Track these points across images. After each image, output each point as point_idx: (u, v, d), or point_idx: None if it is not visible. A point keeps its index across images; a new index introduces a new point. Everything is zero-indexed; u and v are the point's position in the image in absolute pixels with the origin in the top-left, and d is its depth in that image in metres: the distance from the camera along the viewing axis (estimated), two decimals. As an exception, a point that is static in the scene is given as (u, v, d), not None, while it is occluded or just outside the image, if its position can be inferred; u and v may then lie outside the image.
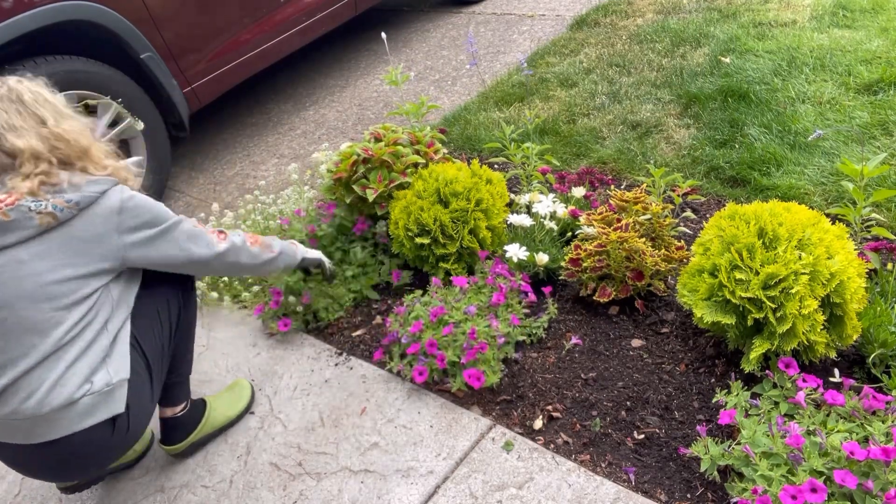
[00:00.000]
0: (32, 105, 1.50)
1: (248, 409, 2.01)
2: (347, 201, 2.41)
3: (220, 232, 1.74)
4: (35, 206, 1.41)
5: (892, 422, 1.41)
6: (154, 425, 2.03)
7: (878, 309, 1.69)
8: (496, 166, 2.90)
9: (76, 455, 1.50)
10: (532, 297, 2.07)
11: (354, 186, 2.36)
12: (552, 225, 2.27)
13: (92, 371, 1.45)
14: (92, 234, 1.47)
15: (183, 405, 1.85)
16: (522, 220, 2.24)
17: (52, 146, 1.49)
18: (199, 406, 1.92)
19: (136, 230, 1.53)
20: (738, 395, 1.60)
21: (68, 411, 1.43)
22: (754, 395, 1.62)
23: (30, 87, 1.53)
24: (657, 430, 1.70)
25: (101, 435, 1.49)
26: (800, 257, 1.59)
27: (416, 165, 2.40)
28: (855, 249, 1.67)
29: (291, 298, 2.24)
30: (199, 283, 2.65)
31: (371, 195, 2.29)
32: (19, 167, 1.46)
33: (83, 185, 1.48)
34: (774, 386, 1.61)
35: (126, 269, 1.56)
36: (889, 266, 1.89)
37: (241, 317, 2.41)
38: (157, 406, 1.78)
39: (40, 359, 1.41)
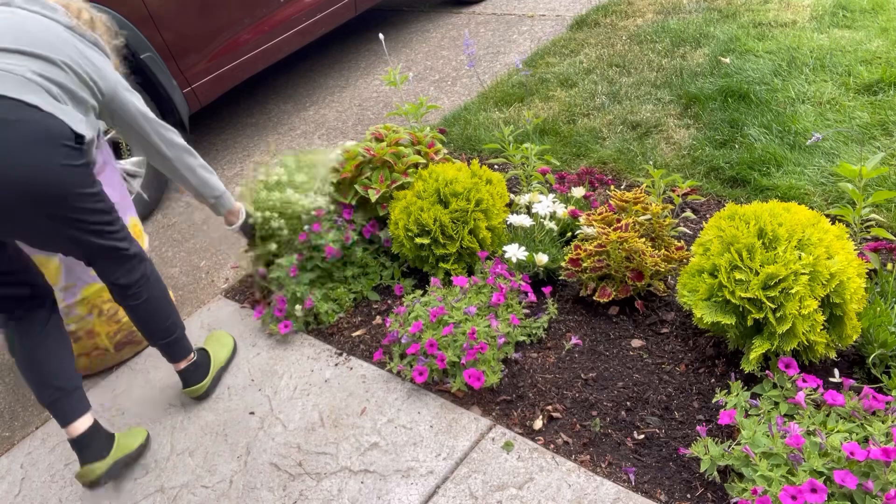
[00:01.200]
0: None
1: (235, 348, 2.25)
2: (349, 201, 2.41)
3: None
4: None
5: (892, 422, 1.41)
6: (155, 418, 2.03)
7: (878, 309, 1.69)
8: (496, 167, 2.90)
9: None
10: (532, 297, 2.07)
11: (356, 186, 2.37)
12: (552, 225, 2.27)
13: None
14: (103, 59, 1.78)
15: (192, 353, 2.05)
16: (522, 220, 2.24)
17: None
18: (202, 350, 2.13)
19: (123, 81, 1.83)
20: (737, 395, 1.60)
21: None
22: (754, 396, 1.62)
23: None
24: (657, 431, 1.70)
25: None
26: (799, 257, 1.59)
27: (416, 166, 2.40)
28: (854, 250, 1.67)
29: (297, 307, 2.22)
30: (201, 264, 2.65)
31: (374, 195, 2.30)
32: None
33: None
34: (774, 386, 1.61)
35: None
36: (889, 266, 1.89)
37: (241, 317, 2.41)
38: (173, 365, 2.02)
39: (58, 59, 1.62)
